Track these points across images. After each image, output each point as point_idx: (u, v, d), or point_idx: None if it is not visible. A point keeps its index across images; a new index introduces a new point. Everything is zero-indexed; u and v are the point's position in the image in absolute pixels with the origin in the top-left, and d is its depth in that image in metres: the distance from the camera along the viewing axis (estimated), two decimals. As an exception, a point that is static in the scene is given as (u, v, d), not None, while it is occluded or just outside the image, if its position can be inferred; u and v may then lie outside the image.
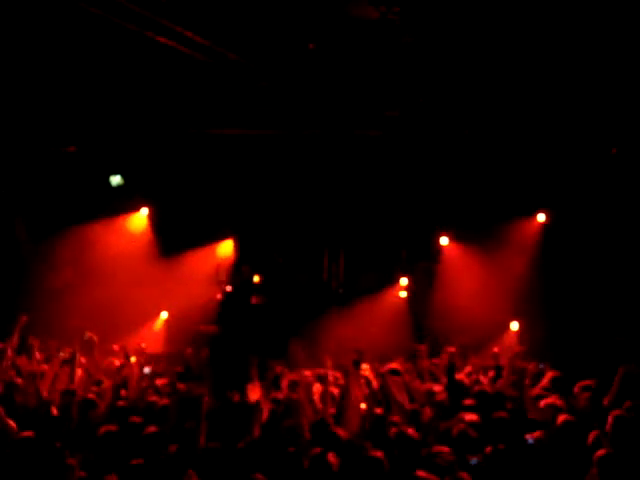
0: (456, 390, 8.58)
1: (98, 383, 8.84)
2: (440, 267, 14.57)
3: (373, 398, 8.22)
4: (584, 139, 12.39)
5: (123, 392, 8.59)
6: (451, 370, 9.01)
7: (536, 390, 8.91)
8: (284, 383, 9.66)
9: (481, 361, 10.91)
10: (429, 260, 14.65)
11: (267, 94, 12.20)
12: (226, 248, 15.50)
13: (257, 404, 7.80)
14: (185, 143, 13.62)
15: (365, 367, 9.77)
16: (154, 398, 8.27)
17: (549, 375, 9.36)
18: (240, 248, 15.41)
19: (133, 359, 10.71)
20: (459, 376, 9.28)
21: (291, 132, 13.23)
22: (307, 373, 9.90)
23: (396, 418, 7.48)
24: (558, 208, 13.57)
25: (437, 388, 8.73)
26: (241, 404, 8.23)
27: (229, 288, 14.89)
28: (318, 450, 6.36)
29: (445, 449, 6.33)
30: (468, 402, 8.12)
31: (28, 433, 6.60)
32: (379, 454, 6.28)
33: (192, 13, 10.00)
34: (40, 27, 10.17)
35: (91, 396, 7.97)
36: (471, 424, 7.13)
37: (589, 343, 12.33)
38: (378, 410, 7.83)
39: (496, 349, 11.27)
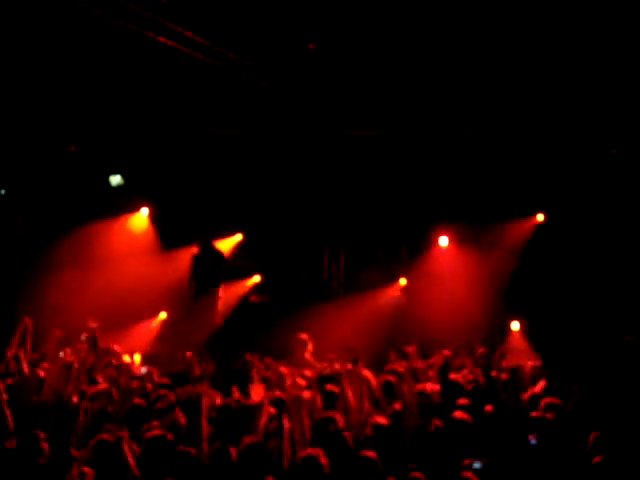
0: (450, 390, 8.61)
1: (94, 382, 8.89)
2: (438, 267, 14.56)
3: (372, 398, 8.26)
4: (582, 140, 12.39)
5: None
6: (444, 370, 9.02)
7: (534, 390, 8.94)
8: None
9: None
10: (427, 260, 14.63)
11: (266, 94, 12.21)
12: (225, 246, 15.49)
13: (260, 404, 7.82)
14: (185, 143, 13.62)
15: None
16: (139, 401, 8.28)
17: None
18: (242, 247, 15.43)
19: (127, 358, 10.77)
20: (454, 376, 9.27)
21: (290, 132, 13.23)
22: (308, 373, 9.90)
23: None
24: (557, 208, 13.57)
25: (433, 388, 8.74)
26: (242, 404, 8.24)
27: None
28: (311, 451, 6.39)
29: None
30: (462, 401, 8.13)
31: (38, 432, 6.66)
32: (371, 454, 6.32)
33: (192, 13, 10.02)
34: (40, 27, 10.18)
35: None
36: (463, 422, 7.17)
37: (586, 343, 12.32)
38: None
39: (482, 349, 11.28)
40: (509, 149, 12.89)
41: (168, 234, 14.54)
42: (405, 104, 12.37)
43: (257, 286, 15.37)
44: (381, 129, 13.10)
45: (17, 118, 12.11)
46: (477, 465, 6.46)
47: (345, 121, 13.00)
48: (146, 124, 12.94)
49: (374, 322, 13.86)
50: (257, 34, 10.70)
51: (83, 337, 10.29)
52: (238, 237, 15.27)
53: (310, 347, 11.89)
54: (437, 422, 7.24)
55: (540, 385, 9.14)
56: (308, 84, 11.90)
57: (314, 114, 12.79)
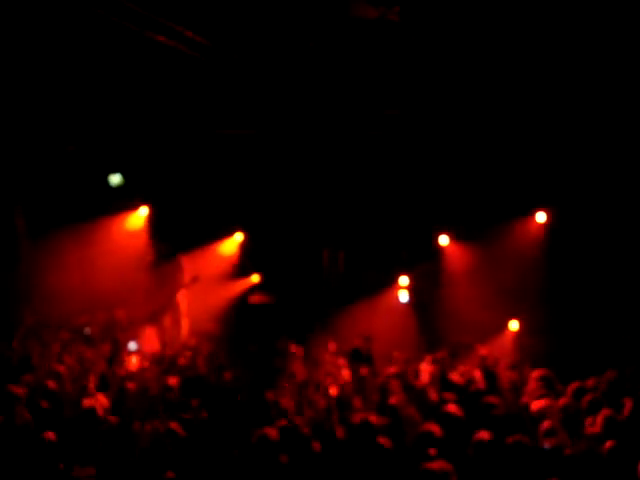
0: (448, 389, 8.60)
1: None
2: (440, 267, 14.54)
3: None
4: (583, 136, 12.33)
5: None
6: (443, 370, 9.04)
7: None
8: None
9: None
10: (429, 260, 14.59)
11: (266, 94, 12.21)
12: (229, 247, 15.51)
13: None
14: (185, 143, 13.61)
15: None
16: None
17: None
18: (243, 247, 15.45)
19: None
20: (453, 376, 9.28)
21: (291, 132, 13.23)
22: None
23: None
24: (559, 207, 13.53)
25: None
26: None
27: None
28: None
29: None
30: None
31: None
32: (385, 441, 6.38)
33: (192, 13, 10.04)
34: (41, 27, 10.20)
35: None
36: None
37: (591, 343, 12.29)
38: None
39: (483, 351, 11.27)
40: (509, 148, 12.84)
41: (167, 233, 14.55)
42: (405, 103, 12.39)
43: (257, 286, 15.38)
44: (382, 129, 13.09)
45: (18, 118, 12.10)
46: None
47: (345, 122, 13.00)
48: (145, 124, 12.93)
49: (375, 322, 13.86)
50: (258, 34, 10.72)
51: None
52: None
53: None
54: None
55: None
56: (307, 84, 11.91)
57: (314, 114, 12.79)
